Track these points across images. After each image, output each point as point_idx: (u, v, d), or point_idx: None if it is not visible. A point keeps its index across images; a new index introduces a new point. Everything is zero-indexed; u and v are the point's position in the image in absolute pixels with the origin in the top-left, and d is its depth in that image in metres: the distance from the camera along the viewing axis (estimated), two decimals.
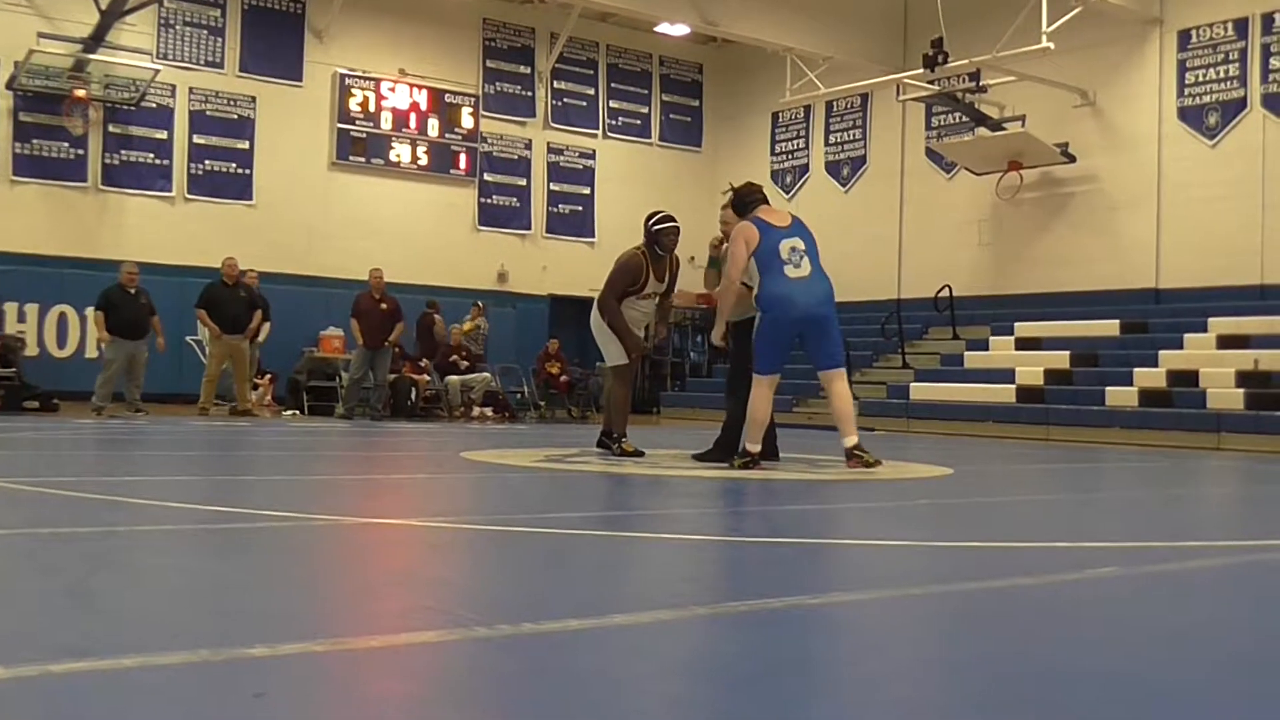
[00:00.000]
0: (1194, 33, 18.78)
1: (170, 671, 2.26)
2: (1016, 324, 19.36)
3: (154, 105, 20.05)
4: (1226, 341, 16.58)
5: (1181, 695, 2.39)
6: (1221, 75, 18.44)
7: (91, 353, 15.86)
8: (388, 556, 4.23)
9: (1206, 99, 18.59)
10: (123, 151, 19.96)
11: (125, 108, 19.69)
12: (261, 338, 16.99)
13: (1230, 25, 18.37)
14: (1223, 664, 2.77)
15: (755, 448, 8.11)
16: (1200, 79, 18.69)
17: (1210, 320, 17.04)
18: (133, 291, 15.34)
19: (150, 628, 2.73)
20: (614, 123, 25.05)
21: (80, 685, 2.15)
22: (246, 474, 7.91)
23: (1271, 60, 17.90)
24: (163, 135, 20.27)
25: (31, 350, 17.99)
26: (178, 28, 20.42)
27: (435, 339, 19.55)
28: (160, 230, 19.95)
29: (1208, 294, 17.83)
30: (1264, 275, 17.60)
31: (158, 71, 19.70)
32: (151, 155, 20.18)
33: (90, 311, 15.99)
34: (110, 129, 19.83)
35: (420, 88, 22.54)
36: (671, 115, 25.87)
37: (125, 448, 10.19)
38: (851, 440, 8.10)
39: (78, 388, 16.68)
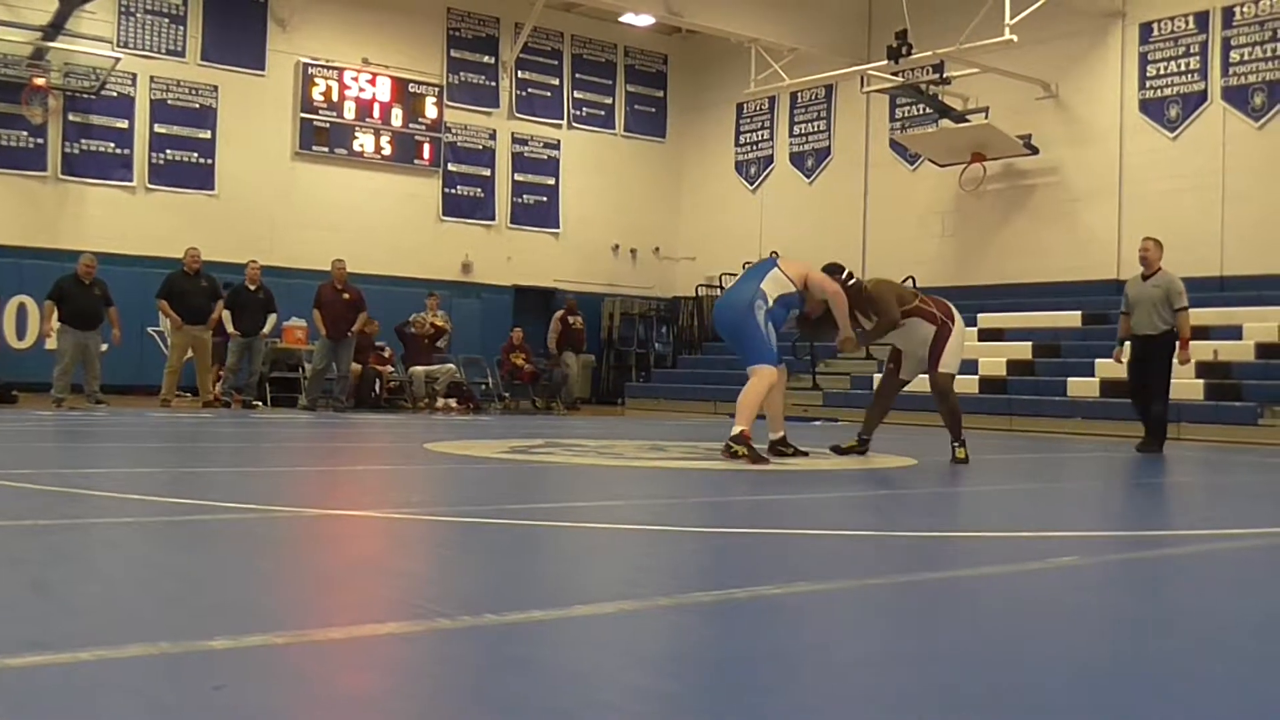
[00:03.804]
0: (1155, 26, 18.92)
1: (130, 664, 2.25)
2: (979, 315, 19.46)
3: (114, 94, 19.87)
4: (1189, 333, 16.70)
5: (1141, 682, 2.42)
6: (1182, 68, 18.58)
7: (52, 344, 15.70)
8: (350, 548, 4.22)
9: (1167, 92, 18.74)
10: (83, 140, 19.77)
11: (85, 96, 19.51)
12: (267, 328, 16.92)
13: (1191, 19, 18.52)
14: (1182, 651, 2.80)
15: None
16: (1161, 72, 18.83)
17: None
18: (87, 283, 15.20)
19: (110, 621, 2.71)
20: (578, 113, 25.01)
21: (38, 679, 2.13)
22: (208, 466, 7.86)
23: (1231, 54, 18.06)
24: (123, 124, 20.10)
25: None
26: (139, 15, 20.25)
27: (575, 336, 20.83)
28: (121, 220, 19.79)
29: None
30: (1224, 267, 17.76)
31: (118, 60, 19.53)
32: (112, 144, 20.00)
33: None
34: (70, 118, 19.65)
35: (384, 77, 22.44)
36: (636, 106, 25.85)
37: (85, 440, 10.10)
38: (734, 430, 8.05)
39: (37, 379, 16.55)
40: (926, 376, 9.16)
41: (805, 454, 8.89)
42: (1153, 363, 11.64)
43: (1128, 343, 11.89)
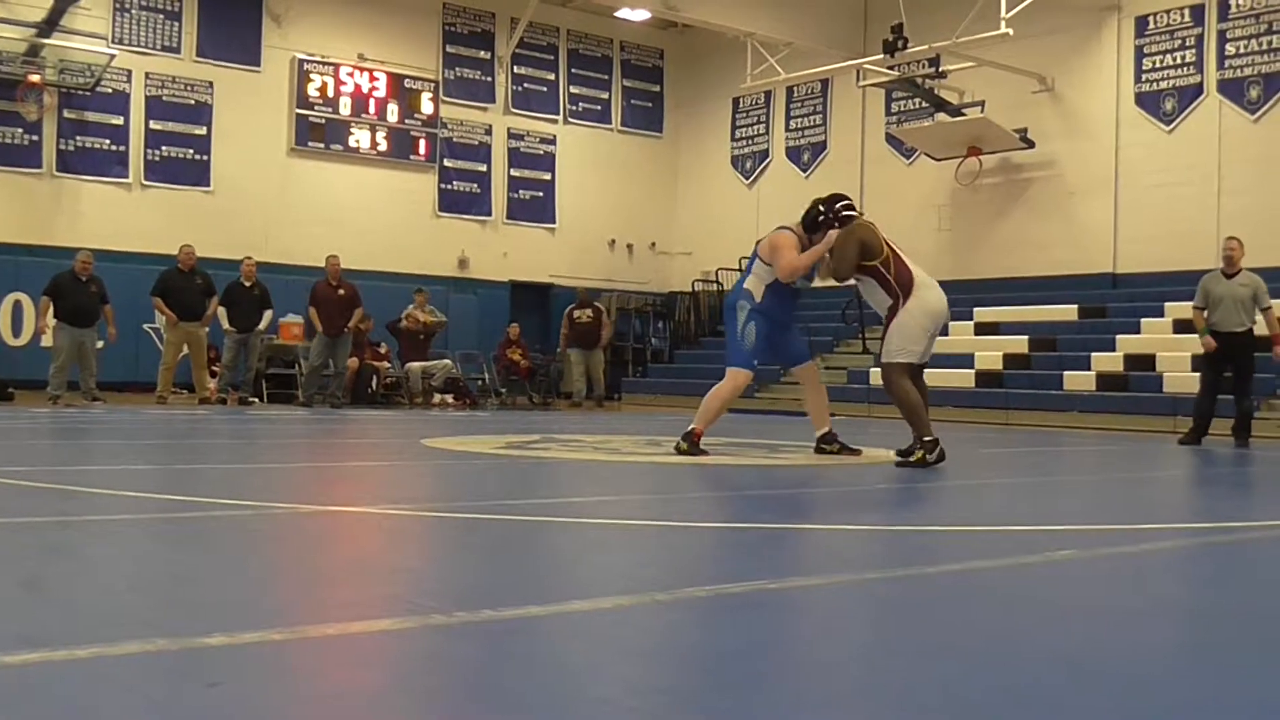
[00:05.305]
0: (1151, 19, 18.91)
1: (126, 661, 2.25)
2: (975, 309, 19.46)
3: (110, 90, 19.82)
4: (1183, 325, 16.68)
5: (1135, 675, 2.42)
6: (1178, 61, 18.58)
7: (48, 341, 15.70)
8: (346, 544, 4.22)
9: (1163, 85, 18.73)
10: (78, 137, 19.73)
11: (81, 93, 19.46)
12: (263, 325, 16.91)
13: (1187, 11, 18.50)
14: (1175, 644, 2.80)
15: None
16: (1157, 65, 18.82)
17: (1166, 305, 17.17)
18: (84, 279, 15.19)
19: (106, 618, 2.71)
20: (575, 108, 24.97)
21: (35, 676, 2.13)
22: (204, 463, 7.86)
23: (1227, 46, 18.05)
24: (119, 121, 20.05)
25: None
26: (134, 12, 20.19)
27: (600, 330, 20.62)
28: (117, 217, 19.74)
29: (1164, 278, 17.97)
30: (1219, 260, 17.72)
31: (113, 56, 19.47)
32: (108, 141, 19.96)
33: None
34: (65, 114, 19.59)
35: (380, 73, 22.40)
36: (632, 101, 25.81)
37: (81, 437, 10.10)
38: (690, 427, 8.25)
39: (33, 376, 16.54)
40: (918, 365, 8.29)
41: (857, 451, 8.48)
42: (1241, 359, 12.00)
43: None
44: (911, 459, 7.88)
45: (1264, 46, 17.72)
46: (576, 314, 20.54)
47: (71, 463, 7.69)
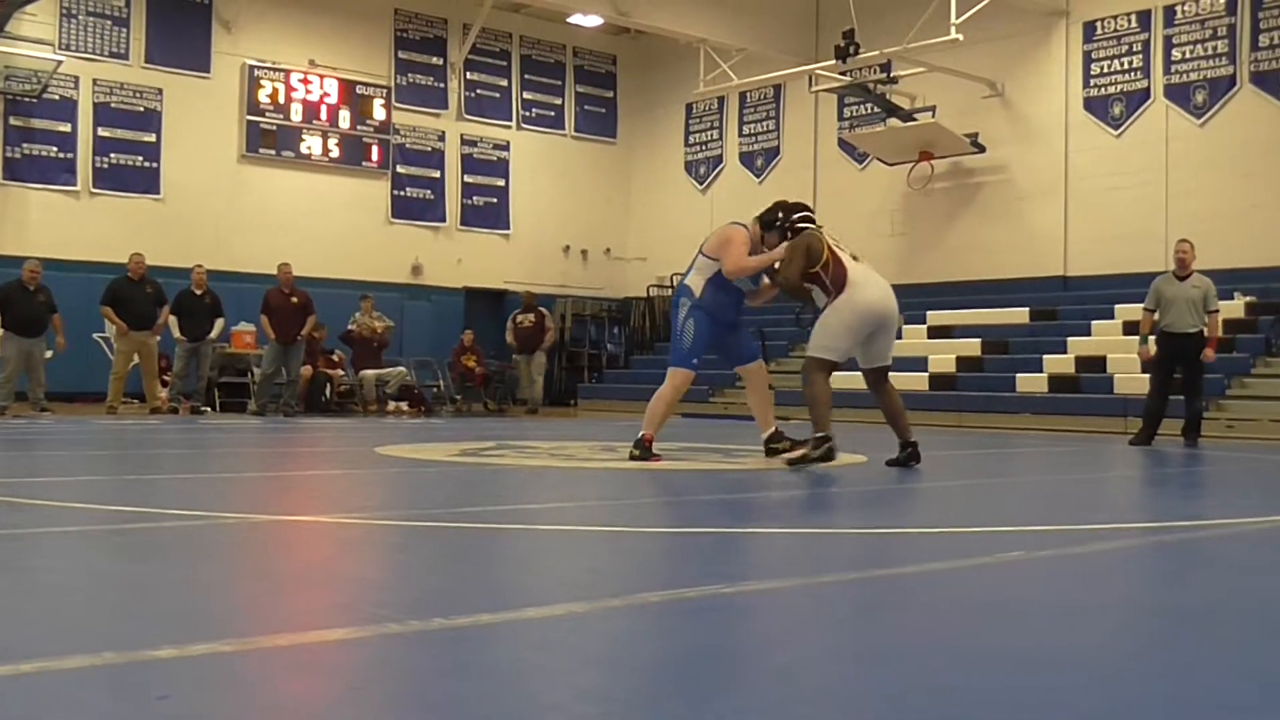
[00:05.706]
0: (1099, 24, 19.12)
1: (73, 676, 2.22)
2: (928, 313, 19.59)
3: (57, 97, 19.62)
4: (1133, 327, 16.85)
5: (1085, 675, 2.44)
6: (1125, 66, 18.79)
7: None
8: (298, 554, 4.19)
9: (1111, 90, 18.94)
10: (24, 145, 19.51)
11: (27, 100, 19.25)
12: (214, 333, 16.77)
13: (1134, 17, 18.73)
14: (1123, 643, 2.83)
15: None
16: (1105, 70, 19.03)
17: (1117, 307, 17.35)
18: (32, 289, 15.03)
19: (52, 631, 2.68)
20: (528, 114, 24.95)
21: None
22: (154, 473, 7.78)
23: (1173, 52, 18.28)
24: (66, 128, 19.85)
25: None
26: (80, 18, 20.00)
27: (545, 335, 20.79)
28: (65, 225, 19.53)
29: (1114, 281, 18.16)
30: (1168, 263, 17.78)
31: (60, 63, 19.27)
32: (55, 148, 19.75)
33: None
34: (11, 121, 19.38)
35: (331, 79, 22.29)
36: (586, 107, 25.82)
37: (29, 448, 9.98)
38: (641, 434, 8.23)
39: None
40: (875, 366, 8.21)
41: (805, 442, 8.19)
42: (1192, 360, 12.29)
43: (1152, 338, 12.48)
44: (796, 454, 7.81)
45: (1209, 52, 17.96)
46: (519, 319, 20.53)
47: (20, 474, 7.59)
